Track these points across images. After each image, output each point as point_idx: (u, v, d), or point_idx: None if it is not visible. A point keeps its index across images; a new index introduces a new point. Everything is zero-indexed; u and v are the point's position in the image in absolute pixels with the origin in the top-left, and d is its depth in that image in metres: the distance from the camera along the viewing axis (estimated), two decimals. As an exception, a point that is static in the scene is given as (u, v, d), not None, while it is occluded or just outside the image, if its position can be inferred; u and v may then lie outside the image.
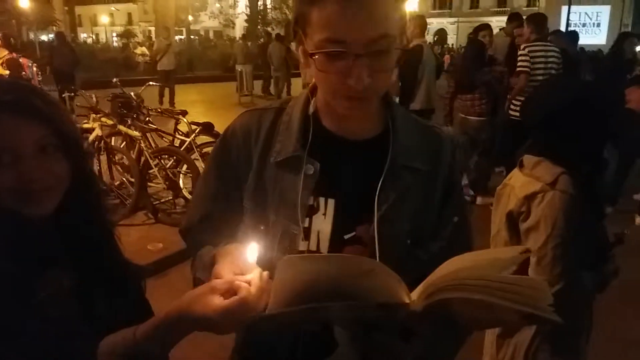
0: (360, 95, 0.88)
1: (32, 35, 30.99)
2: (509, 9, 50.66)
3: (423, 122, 1.11)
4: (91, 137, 4.99)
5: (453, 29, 54.23)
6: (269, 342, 1.03)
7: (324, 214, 1.00)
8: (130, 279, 1.14)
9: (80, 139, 1.06)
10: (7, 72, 5.87)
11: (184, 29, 32.62)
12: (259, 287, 0.80)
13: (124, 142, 5.42)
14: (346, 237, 1.00)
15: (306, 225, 1.00)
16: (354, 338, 0.93)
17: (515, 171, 1.74)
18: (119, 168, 5.30)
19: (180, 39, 29.28)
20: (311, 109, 1.04)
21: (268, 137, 1.03)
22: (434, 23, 57.59)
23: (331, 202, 1.00)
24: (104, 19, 61.80)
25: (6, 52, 6.35)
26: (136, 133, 5.13)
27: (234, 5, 46.66)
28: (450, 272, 0.77)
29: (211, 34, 51.17)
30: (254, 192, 1.03)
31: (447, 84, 6.20)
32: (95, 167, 5.22)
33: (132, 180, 4.94)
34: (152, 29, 29.18)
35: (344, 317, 0.83)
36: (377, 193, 0.97)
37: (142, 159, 5.04)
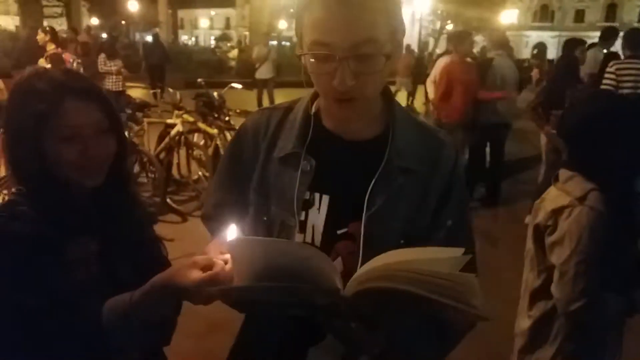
0: (346, 97, 0.93)
1: (137, 36, 33.27)
2: (617, 23, 47.64)
3: (426, 126, 1.13)
4: (173, 131, 5.28)
5: (554, 43, 51.59)
6: (261, 336, 1.11)
7: (318, 209, 1.05)
8: (156, 251, 1.27)
9: (122, 122, 1.22)
10: (49, 65, 6.17)
11: (276, 35, 33.67)
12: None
13: (203, 139, 5.63)
14: (339, 232, 1.04)
15: (302, 218, 1.05)
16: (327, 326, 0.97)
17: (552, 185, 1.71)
18: (197, 163, 5.51)
19: (272, 45, 30.20)
20: (313, 109, 1.10)
21: (274, 134, 1.10)
22: (533, 36, 55.34)
23: (325, 198, 1.05)
24: (203, 22, 65.25)
25: (53, 46, 6.71)
26: (214, 130, 5.34)
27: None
28: (384, 264, 0.80)
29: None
30: (259, 185, 1.10)
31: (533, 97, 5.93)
32: (175, 161, 5.49)
33: (207, 175, 5.12)
34: (247, 33, 30.31)
35: (285, 299, 0.87)
36: (368, 191, 1.01)
37: (218, 155, 5.21)
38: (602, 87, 4.91)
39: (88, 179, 1.09)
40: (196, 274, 0.88)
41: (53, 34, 6.80)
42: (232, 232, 0.92)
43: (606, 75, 4.89)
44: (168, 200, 5.12)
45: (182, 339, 1.21)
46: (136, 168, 5.16)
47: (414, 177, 1.03)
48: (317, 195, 1.05)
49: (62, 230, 1.03)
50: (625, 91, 4.73)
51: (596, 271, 1.48)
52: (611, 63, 5.06)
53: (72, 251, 1.03)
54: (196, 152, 5.50)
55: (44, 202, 1.05)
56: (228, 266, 0.89)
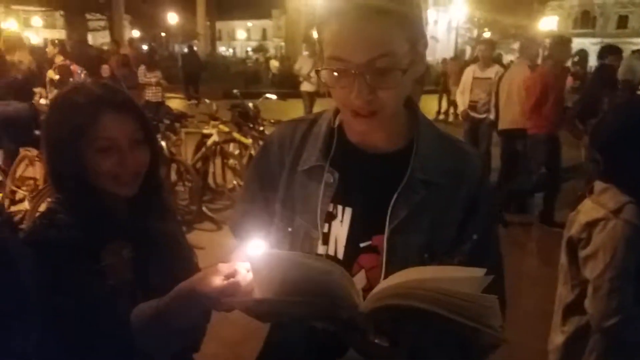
0: (364, 111, 0.93)
1: (177, 48, 34.10)
2: (662, 29, 46.00)
3: (450, 138, 1.12)
4: (209, 141, 5.40)
5: (595, 50, 50.17)
6: (286, 345, 1.11)
7: (341, 221, 1.06)
8: (188, 259, 1.31)
9: (155, 133, 1.26)
10: (57, 77, 6.34)
11: (312, 45, 33.88)
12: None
13: (238, 149, 5.72)
14: (362, 245, 1.04)
15: (325, 230, 1.06)
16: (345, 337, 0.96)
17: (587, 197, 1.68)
18: (231, 172, 5.61)
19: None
20: (336, 122, 1.11)
21: (299, 146, 1.12)
22: (574, 43, 53.79)
23: (348, 211, 1.05)
24: (241, 34, 66.35)
25: (62, 58, 6.98)
26: (248, 140, 5.42)
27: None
28: (404, 281, 0.80)
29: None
30: (283, 197, 1.11)
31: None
32: (211, 170, 5.60)
33: (242, 184, 5.18)
34: (284, 44, 30.66)
35: (304, 312, 0.87)
36: (391, 204, 1.01)
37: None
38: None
39: (123, 189, 1.13)
40: (218, 282, 0.90)
41: (62, 47, 7.09)
42: (256, 246, 0.92)
43: None
44: (204, 208, 5.21)
45: (217, 347, 1.23)
46: (173, 177, 5.28)
47: (438, 190, 1.02)
48: (340, 207, 1.05)
49: (97, 236, 1.08)
50: None
51: (631, 286, 1.44)
52: None
53: (106, 257, 1.08)
54: (231, 162, 5.60)
55: (80, 210, 1.10)
56: (250, 275, 0.90)
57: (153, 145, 1.19)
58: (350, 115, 0.96)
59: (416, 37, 0.93)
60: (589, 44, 52.41)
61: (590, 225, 1.52)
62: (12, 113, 5.22)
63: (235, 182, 5.62)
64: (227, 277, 0.90)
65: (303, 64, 10.08)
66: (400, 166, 1.03)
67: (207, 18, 32.60)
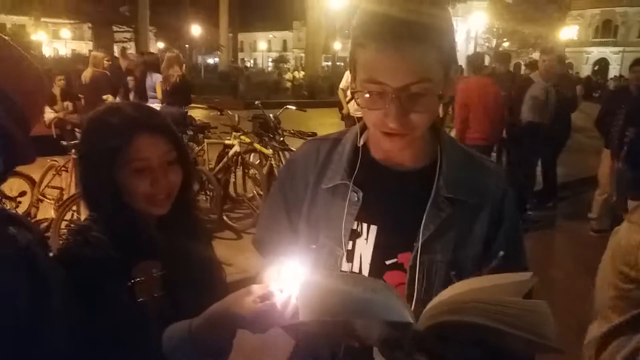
0: (398, 132, 0.94)
1: (200, 59, 34.58)
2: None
3: (473, 154, 1.12)
4: (231, 152, 5.52)
5: (617, 59, 49.53)
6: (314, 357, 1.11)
7: (366, 239, 1.06)
8: (217, 276, 1.33)
9: (188, 151, 1.27)
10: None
11: (331, 56, 34.15)
12: (288, 295, 0.89)
13: (259, 159, 5.88)
14: (387, 262, 1.05)
15: (350, 248, 1.07)
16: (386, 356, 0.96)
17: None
18: (252, 181, 5.75)
19: (327, 65, 30.70)
20: (361, 141, 1.11)
21: (324, 164, 1.13)
22: (595, 52, 53.20)
23: (373, 229, 1.06)
24: (262, 45, 66.98)
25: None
26: (269, 151, 5.55)
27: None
28: (454, 295, 0.79)
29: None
30: (308, 214, 1.12)
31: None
32: (232, 180, 5.76)
33: (262, 193, 5.34)
34: (304, 55, 30.98)
35: (357, 333, 0.87)
36: (422, 223, 1.01)
37: (272, 174, 5.42)
38: None
39: (156, 209, 1.16)
40: (253, 304, 0.89)
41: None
42: (291, 269, 0.92)
43: None
44: (224, 217, 5.29)
45: (236, 355, 1.17)
46: (196, 186, 5.43)
47: (463, 208, 1.03)
48: (364, 225, 1.06)
49: (129, 254, 1.09)
50: None
51: None
52: None
53: (136, 275, 1.09)
54: (252, 171, 5.68)
55: (114, 229, 1.12)
56: (284, 295, 0.89)
57: (186, 165, 1.21)
58: (381, 135, 0.97)
59: (449, 64, 0.94)
60: (609, 53, 51.77)
61: (636, 248, 1.47)
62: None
63: (255, 191, 5.70)
64: (261, 298, 0.90)
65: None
66: (425, 184, 1.04)
67: (229, 30, 33.08)
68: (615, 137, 5.15)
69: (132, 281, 1.08)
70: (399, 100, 0.90)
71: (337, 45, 35.13)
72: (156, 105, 6.07)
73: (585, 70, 41.57)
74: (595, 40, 53.34)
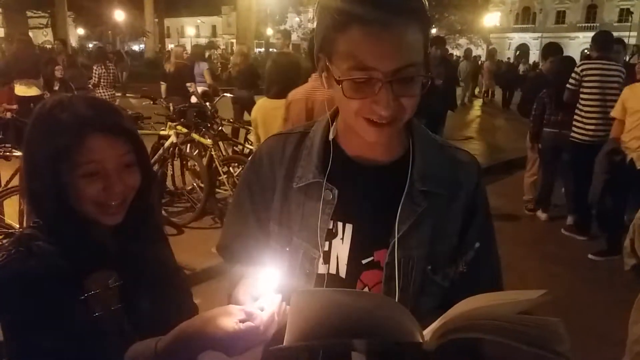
0: (386, 121, 0.89)
1: (125, 46, 33.11)
2: (598, 24, 48.19)
3: (446, 145, 1.09)
4: (167, 143, 5.27)
5: (536, 45, 52.14)
6: None
7: (342, 239, 1.01)
8: (178, 283, 1.22)
9: (147, 151, 1.14)
10: None
11: (263, 42, 33.74)
12: (271, 314, 0.82)
13: (197, 150, 5.69)
14: (364, 261, 1.01)
15: (326, 249, 1.01)
16: None
17: None
18: (191, 174, 5.56)
19: (260, 52, 30.26)
20: (331, 135, 1.05)
21: (291, 161, 1.06)
22: (516, 38, 55.87)
23: (349, 227, 1.01)
24: (190, 30, 65.05)
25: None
26: (208, 141, 5.36)
27: (312, 20, 47.60)
28: (464, 312, 0.76)
29: (290, 47, 52.52)
30: (279, 215, 1.05)
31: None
32: (169, 172, 5.53)
33: (202, 185, 5.17)
34: (234, 41, 30.34)
35: (360, 351, 0.83)
36: (396, 218, 0.97)
37: (213, 165, 5.27)
38: (567, 86, 5.06)
39: (107, 217, 1.03)
40: (231, 325, 0.80)
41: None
42: (271, 277, 0.85)
43: (572, 75, 5.03)
44: (163, 212, 5.09)
45: None
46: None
47: (437, 200, 1.00)
48: (340, 224, 1.01)
49: (80, 265, 0.99)
50: (587, 91, 4.90)
51: None
52: (579, 63, 5.23)
53: (90, 286, 0.99)
54: (191, 163, 5.49)
55: (61, 238, 1.00)
56: (265, 315, 0.82)
57: (145, 168, 1.09)
58: (367, 124, 0.91)
59: (427, 46, 0.91)
60: (529, 39, 54.53)
61: None
62: None
63: (195, 183, 5.53)
64: (241, 320, 0.82)
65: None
66: (398, 178, 1.00)
67: (155, 15, 31.82)
68: (537, 122, 5.47)
69: (86, 294, 0.98)
70: (390, 85, 0.85)
71: (269, 31, 34.75)
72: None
73: (509, 55, 43.35)
74: (516, 26, 55.98)
